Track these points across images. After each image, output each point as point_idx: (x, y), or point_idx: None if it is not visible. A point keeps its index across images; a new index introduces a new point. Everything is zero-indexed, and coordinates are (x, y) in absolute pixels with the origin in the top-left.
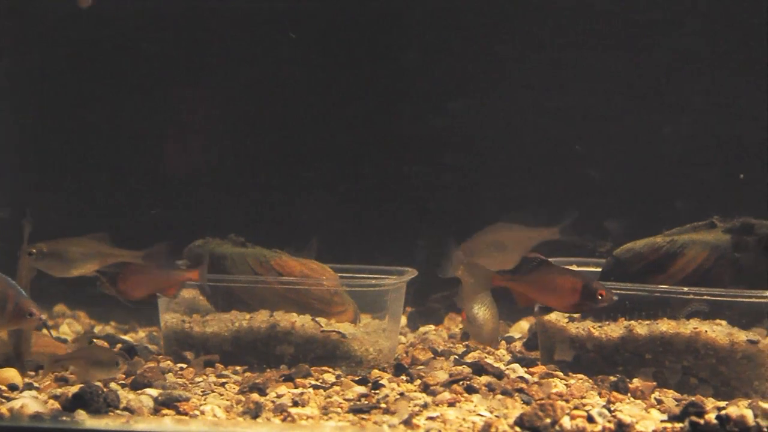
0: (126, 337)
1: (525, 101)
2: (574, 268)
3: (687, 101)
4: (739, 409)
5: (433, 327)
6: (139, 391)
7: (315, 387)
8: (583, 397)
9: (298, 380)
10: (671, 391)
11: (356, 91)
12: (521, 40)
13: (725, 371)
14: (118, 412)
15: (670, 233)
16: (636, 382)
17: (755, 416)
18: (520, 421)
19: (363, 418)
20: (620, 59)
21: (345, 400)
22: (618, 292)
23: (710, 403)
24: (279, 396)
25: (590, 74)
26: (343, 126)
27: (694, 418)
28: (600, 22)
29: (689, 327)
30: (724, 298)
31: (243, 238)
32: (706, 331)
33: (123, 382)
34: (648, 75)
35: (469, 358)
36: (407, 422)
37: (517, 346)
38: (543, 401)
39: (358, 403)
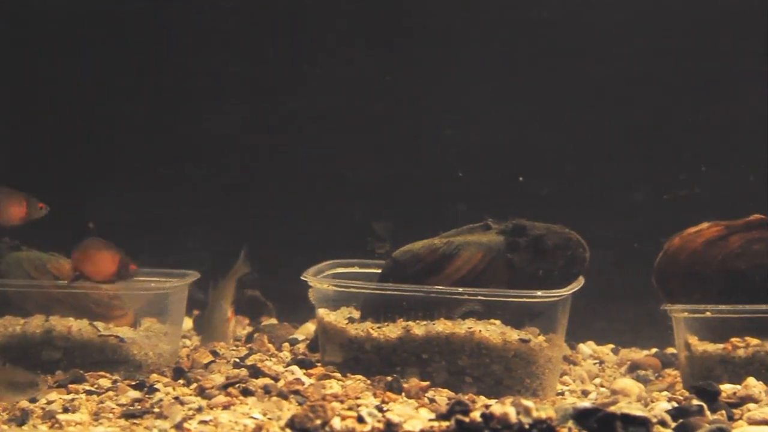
0: None
1: (295, 104)
2: (356, 270)
3: (469, 105)
4: (503, 407)
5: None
6: None
7: (89, 392)
8: (358, 398)
9: (71, 386)
10: (446, 390)
11: (139, 93)
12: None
13: (498, 370)
14: None
15: (447, 235)
16: (411, 382)
17: (518, 413)
18: (291, 423)
19: (135, 423)
20: (392, 59)
21: (118, 405)
22: (396, 293)
23: (481, 401)
24: (49, 402)
25: (361, 75)
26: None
27: (459, 417)
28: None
29: (464, 327)
30: (498, 298)
31: (18, 242)
32: (480, 330)
33: None
34: (427, 77)
35: (251, 360)
36: (179, 426)
37: (301, 348)
38: (314, 403)
39: (131, 408)
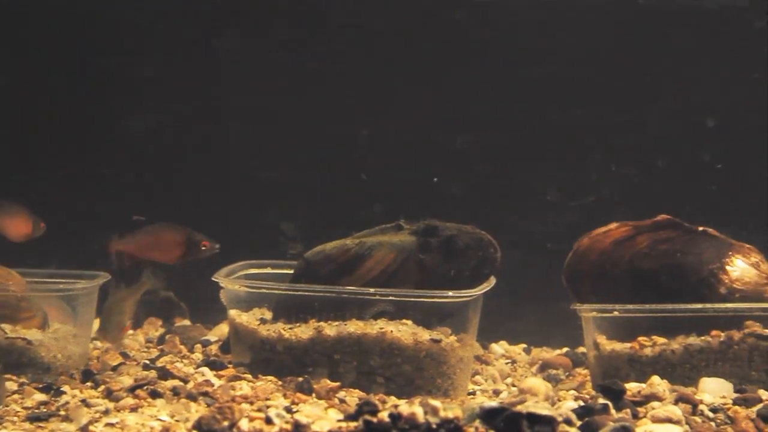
0: None
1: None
2: (269, 270)
3: (386, 105)
4: (410, 407)
5: (131, 331)
6: None
7: None
8: (268, 399)
9: None
10: (357, 391)
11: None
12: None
13: (410, 370)
14: None
15: (359, 235)
16: (322, 383)
17: (425, 413)
18: (198, 425)
19: (39, 427)
20: (306, 58)
21: (23, 408)
22: (308, 294)
23: (392, 401)
24: None
25: (274, 75)
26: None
27: (367, 417)
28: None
29: (376, 327)
30: (409, 299)
31: None
32: (391, 331)
33: None
34: (344, 76)
35: (161, 362)
36: (84, 429)
37: (214, 349)
38: (223, 404)
39: (36, 411)
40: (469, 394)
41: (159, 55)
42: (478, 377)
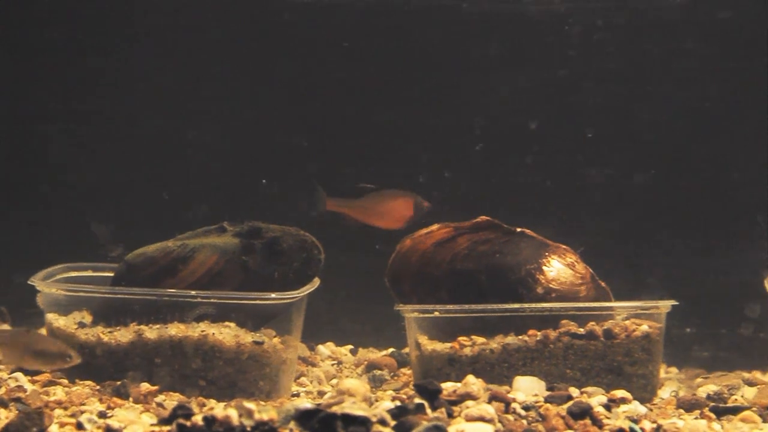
0: None
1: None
2: (90, 273)
3: (213, 106)
4: (224, 410)
5: None
6: None
7: None
8: (83, 404)
9: None
10: (177, 394)
11: None
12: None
13: (232, 372)
14: None
15: (182, 237)
16: (141, 387)
17: (240, 416)
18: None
19: None
20: (134, 57)
21: None
22: (128, 297)
23: (212, 404)
24: None
25: (102, 75)
26: None
27: (181, 421)
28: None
29: (198, 330)
30: (232, 301)
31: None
32: (213, 333)
33: None
34: (172, 76)
35: None
36: None
37: None
38: (33, 410)
39: None
40: (294, 395)
41: None
42: (303, 379)
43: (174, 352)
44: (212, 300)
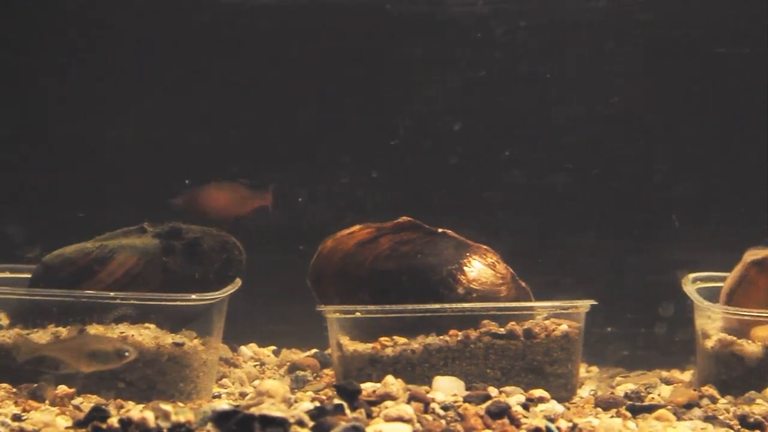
0: None
1: None
2: (7, 275)
3: (131, 105)
4: (141, 412)
5: None
6: None
7: None
8: None
9: None
10: (96, 396)
11: None
12: None
13: (152, 374)
14: None
15: (101, 238)
16: (58, 389)
17: (156, 418)
18: None
19: None
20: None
21: None
22: (46, 298)
23: (130, 406)
24: None
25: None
26: None
27: (97, 423)
28: None
29: (117, 331)
30: (151, 302)
31: None
32: (133, 335)
33: None
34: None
35: None
36: None
37: None
38: None
39: None
40: (215, 397)
41: None
42: (225, 380)
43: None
44: (131, 301)
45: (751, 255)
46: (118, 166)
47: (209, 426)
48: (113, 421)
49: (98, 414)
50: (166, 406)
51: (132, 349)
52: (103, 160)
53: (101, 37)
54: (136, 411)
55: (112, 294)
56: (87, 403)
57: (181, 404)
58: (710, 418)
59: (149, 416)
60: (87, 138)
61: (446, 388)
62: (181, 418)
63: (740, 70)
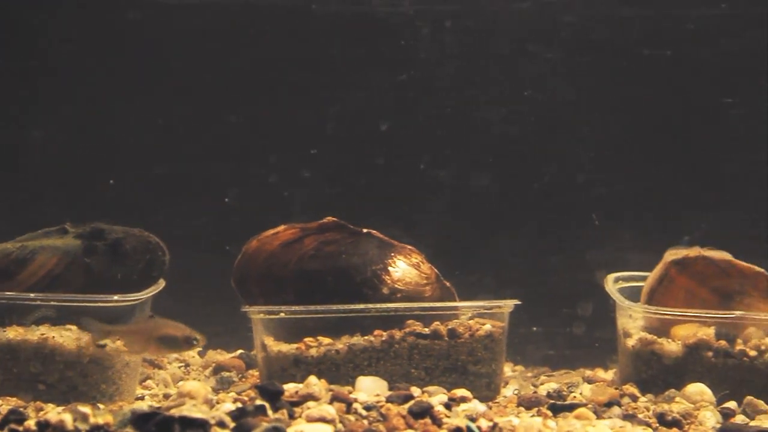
0: None
1: None
2: None
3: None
4: (59, 414)
5: None
6: None
7: None
8: None
9: None
10: (15, 399)
11: None
12: None
13: (73, 376)
14: None
15: (22, 239)
16: None
17: (75, 420)
18: None
19: None
20: None
21: None
22: None
23: (50, 408)
24: None
25: None
26: None
27: (13, 426)
28: None
29: (37, 333)
30: (72, 303)
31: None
32: (54, 336)
33: None
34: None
35: None
36: None
37: None
38: None
39: None
40: (138, 398)
41: None
42: (149, 381)
43: (12, 356)
44: (52, 302)
45: (672, 254)
46: (39, 166)
47: (128, 428)
48: (30, 423)
49: (15, 416)
50: (85, 408)
51: (200, 337)
52: (24, 160)
53: (25, 35)
54: (54, 413)
55: (32, 295)
56: (5, 405)
57: (101, 406)
58: (629, 417)
59: (67, 418)
60: (7, 137)
61: (369, 389)
62: (100, 420)
63: (662, 70)
